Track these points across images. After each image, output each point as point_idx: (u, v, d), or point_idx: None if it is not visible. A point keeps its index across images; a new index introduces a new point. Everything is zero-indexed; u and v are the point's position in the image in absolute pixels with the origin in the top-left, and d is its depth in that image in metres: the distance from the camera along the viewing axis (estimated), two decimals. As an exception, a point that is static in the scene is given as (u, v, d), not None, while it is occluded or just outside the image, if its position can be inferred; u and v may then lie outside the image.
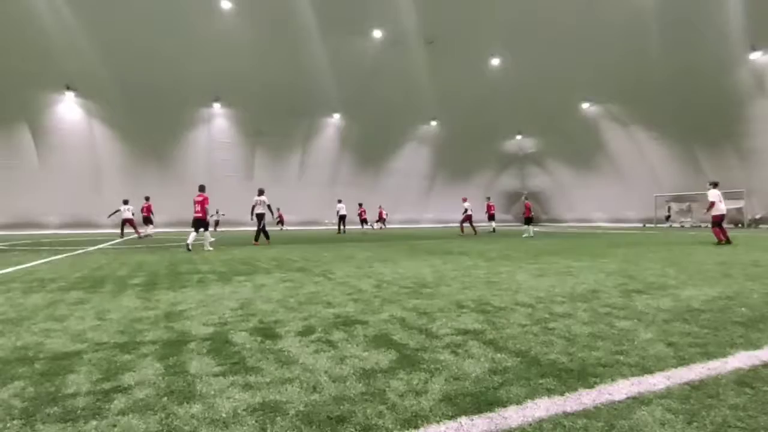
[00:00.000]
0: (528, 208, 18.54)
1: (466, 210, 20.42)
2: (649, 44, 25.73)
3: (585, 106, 32.80)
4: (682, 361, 2.45)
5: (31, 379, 2.29)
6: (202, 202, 11.90)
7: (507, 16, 26.15)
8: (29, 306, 4.19)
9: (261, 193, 13.94)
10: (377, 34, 27.40)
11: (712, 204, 12.18)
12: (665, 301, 4.17)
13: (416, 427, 1.74)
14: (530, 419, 1.78)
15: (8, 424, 1.78)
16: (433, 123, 36.08)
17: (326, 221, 32.44)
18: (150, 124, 27.40)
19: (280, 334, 3.14)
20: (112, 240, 16.91)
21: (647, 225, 32.31)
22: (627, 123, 31.49)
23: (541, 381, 2.18)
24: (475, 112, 33.79)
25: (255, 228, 14.14)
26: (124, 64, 24.40)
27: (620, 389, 2.07)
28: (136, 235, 19.30)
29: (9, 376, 2.33)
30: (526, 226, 18.23)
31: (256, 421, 1.79)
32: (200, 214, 11.81)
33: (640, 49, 26.15)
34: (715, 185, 12.35)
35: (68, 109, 26.18)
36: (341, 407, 1.91)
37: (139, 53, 24.08)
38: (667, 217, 31.76)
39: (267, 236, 14.10)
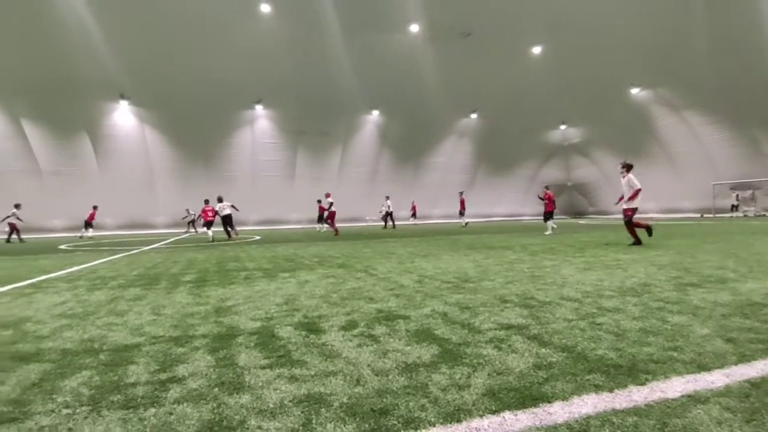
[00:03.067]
0: (551, 200, 15.18)
1: (330, 206, 18.38)
2: (699, 23, 24.20)
3: (634, 91, 31.29)
4: (743, 358, 2.32)
5: (97, 369, 2.47)
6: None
7: (546, 3, 25.31)
8: (93, 302, 4.49)
9: (221, 200, 16.66)
10: (414, 28, 27.24)
11: (637, 192, 9.34)
12: (723, 294, 3.94)
13: (459, 420, 1.73)
14: (576, 415, 1.74)
15: (78, 410, 1.93)
16: (473, 116, 35.52)
17: (367, 218, 32.68)
18: (197, 129, 28.56)
19: (324, 328, 3.21)
20: (165, 240, 17.76)
21: (705, 215, 30.51)
22: (680, 108, 29.81)
23: (588, 377, 2.12)
24: (517, 103, 32.99)
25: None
26: (171, 72, 25.49)
27: (674, 386, 1.98)
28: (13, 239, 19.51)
29: (77, 366, 2.51)
30: (547, 222, 14.93)
31: (302, 412, 1.85)
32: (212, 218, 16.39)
33: (690, 29, 24.64)
34: (629, 168, 9.64)
35: (123, 117, 27.70)
36: (384, 400, 1.94)
37: (185, 61, 25.08)
38: (735, 206, 29.76)
39: (231, 233, 16.85)
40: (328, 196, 18.98)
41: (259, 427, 1.73)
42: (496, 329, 3.03)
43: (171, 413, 1.88)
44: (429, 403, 1.89)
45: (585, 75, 30.03)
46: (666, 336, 2.74)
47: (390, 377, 2.20)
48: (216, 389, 2.12)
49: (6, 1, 20.85)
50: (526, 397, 1.92)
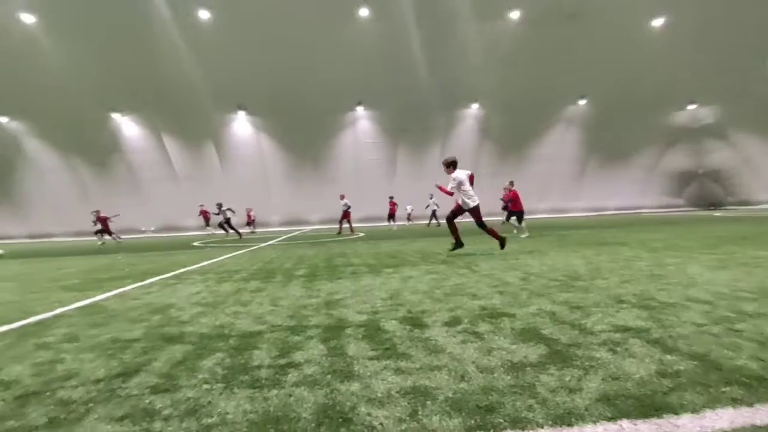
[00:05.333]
0: (517, 199, 12.80)
1: (347, 207, 19.19)
2: None
3: (785, 60, 26.61)
4: None
5: (228, 352, 2.79)
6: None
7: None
8: (222, 292, 5.05)
9: (220, 206, 20.57)
10: (514, 15, 26.11)
11: (448, 194, 8.22)
12: None
13: (569, 425, 1.66)
14: (709, 430, 1.57)
15: (214, 386, 2.21)
16: (582, 102, 33.00)
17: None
18: (305, 133, 30.50)
19: (428, 323, 3.26)
20: (279, 237, 19.25)
21: None
22: None
23: (723, 389, 1.89)
24: (634, 83, 29.87)
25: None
26: (280, 81, 27.48)
27: (838, 406, 1.69)
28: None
29: (212, 349, 2.86)
30: (510, 220, 13.07)
31: (408, 403, 1.91)
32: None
33: None
34: (451, 165, 8.13)
35: (241, 126, 30.64)
36: (489, 397, 1.93)
37: (291, 70, 26.83)
38: None
39: (238, 233, 20.61)
40: (342, 197, 19.52)
41: (369, 414, 1.82)
42: (610, 331, 2.82)
43: (290, 395, 2.06)
44: (537, 404, 1.84)
45: (718, 46, 26.25)
46: (828, 347, 2.33)
47: (495, 375, 2.18)
48: (329, 376, 2.28)
49: (143, 30, 24.19)
50: (647, 406, 1.78)
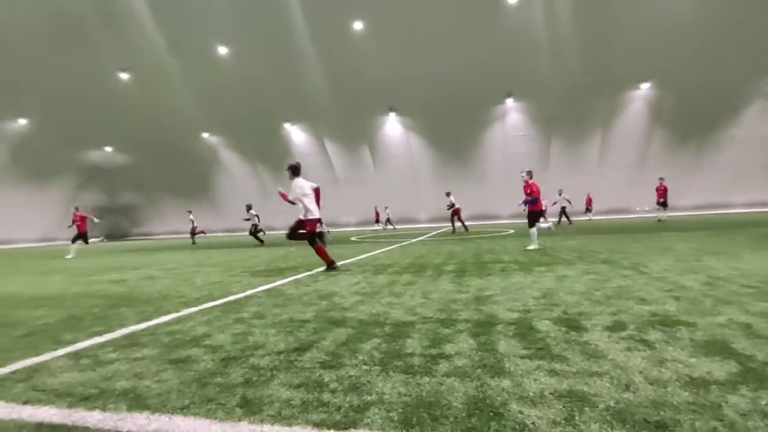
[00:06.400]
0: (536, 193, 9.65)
1: (452, 205, 18.09)
2: None
3: None
4: None
5: (383, 338, 3.00)
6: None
7: None
8: (378, 284, 5.42)
9: (250, 208, 18.60)
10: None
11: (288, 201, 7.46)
12: None
13: (769, 455, 1.41)
14: None
15: (372, 368, 2.41)
16: (796, 69, 26.43)
17: (637, 208, 28.52)
18: (453, 129, 30.60)
19: (586, 326, 3.04)
20: (428, 233, 19.73)
21: None
22: None
23: None
24: None
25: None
26: (429, 79, 27.99)
27: None
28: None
29: (370, 334, 3.11)
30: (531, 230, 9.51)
31: (564, 407, 1.83)
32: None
33: None
34: (291, 171, 7.58)
35: (392, 127, 32.14)
36: (661, 412, 1.73)
37: (440, 66, 27.12)
38: None
39: (259, 240, 18.03)
40: (448, 194, 18.51)
41: (521, 412, 1.80)
42: (834, 353, 2.27)
43: (441, 384, 2.14)
44: (723, 428, 1.60)
45: None
46: None
47: (669, 389, 1.94)
48: (479, 370, 2.30)
49: (306, 47, 27.02)
50: None
